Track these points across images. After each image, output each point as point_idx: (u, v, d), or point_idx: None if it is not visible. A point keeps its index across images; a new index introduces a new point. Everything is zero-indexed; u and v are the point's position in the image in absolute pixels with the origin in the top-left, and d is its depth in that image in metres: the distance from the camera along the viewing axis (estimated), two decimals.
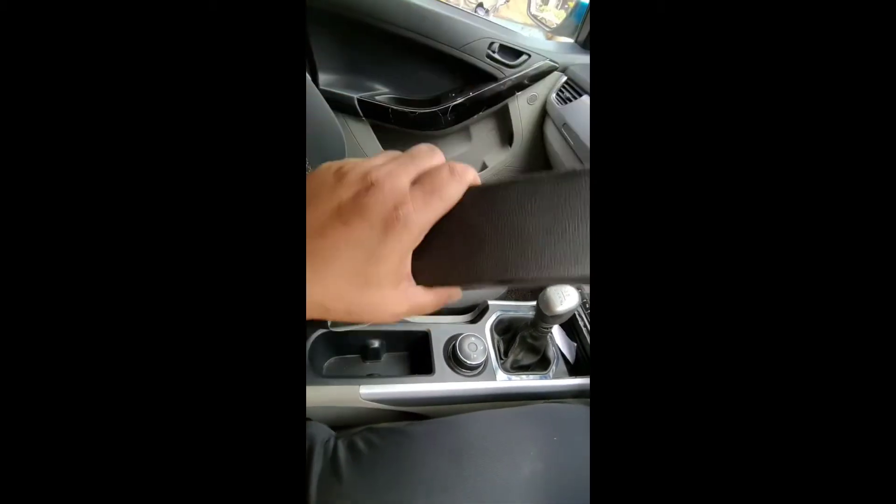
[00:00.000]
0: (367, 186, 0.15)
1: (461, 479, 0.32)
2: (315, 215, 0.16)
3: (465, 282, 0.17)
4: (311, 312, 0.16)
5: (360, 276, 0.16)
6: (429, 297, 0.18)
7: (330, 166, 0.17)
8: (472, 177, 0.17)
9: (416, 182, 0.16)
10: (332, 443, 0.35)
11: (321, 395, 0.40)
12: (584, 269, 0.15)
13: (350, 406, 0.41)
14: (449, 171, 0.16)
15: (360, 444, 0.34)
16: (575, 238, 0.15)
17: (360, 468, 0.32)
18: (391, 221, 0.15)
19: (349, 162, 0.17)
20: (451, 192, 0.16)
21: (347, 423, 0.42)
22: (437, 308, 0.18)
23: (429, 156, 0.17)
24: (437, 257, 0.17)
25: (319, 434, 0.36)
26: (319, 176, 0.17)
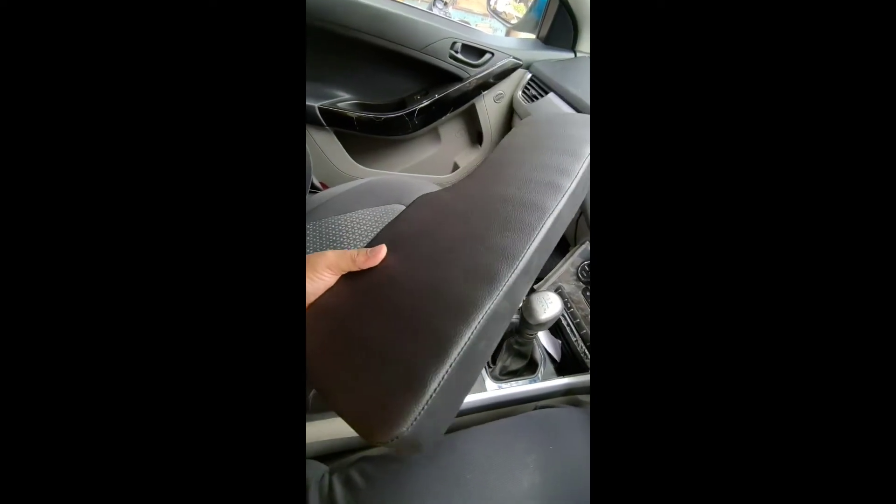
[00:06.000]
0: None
1: (463, 499, 0.32)
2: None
3: None
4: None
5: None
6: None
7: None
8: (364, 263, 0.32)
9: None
10: (326, 480, 0.34)
11: (311, 432, 0.39)
12: None
13: (341, 437, 0.40)
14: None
15: (357, 478, 0.34)
16: None
17: (359, 503, 0.31)
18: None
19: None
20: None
21: (338, 451, 0.41)
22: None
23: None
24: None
25: (313, 473, 0.35)
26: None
